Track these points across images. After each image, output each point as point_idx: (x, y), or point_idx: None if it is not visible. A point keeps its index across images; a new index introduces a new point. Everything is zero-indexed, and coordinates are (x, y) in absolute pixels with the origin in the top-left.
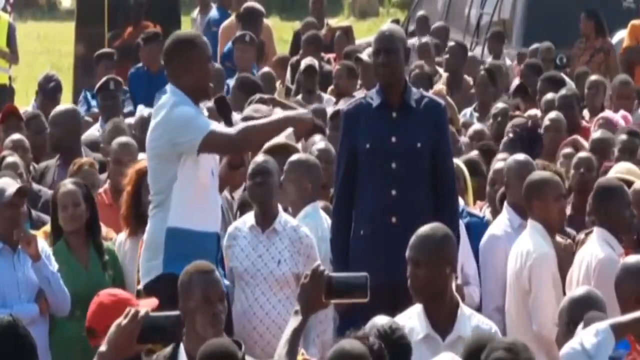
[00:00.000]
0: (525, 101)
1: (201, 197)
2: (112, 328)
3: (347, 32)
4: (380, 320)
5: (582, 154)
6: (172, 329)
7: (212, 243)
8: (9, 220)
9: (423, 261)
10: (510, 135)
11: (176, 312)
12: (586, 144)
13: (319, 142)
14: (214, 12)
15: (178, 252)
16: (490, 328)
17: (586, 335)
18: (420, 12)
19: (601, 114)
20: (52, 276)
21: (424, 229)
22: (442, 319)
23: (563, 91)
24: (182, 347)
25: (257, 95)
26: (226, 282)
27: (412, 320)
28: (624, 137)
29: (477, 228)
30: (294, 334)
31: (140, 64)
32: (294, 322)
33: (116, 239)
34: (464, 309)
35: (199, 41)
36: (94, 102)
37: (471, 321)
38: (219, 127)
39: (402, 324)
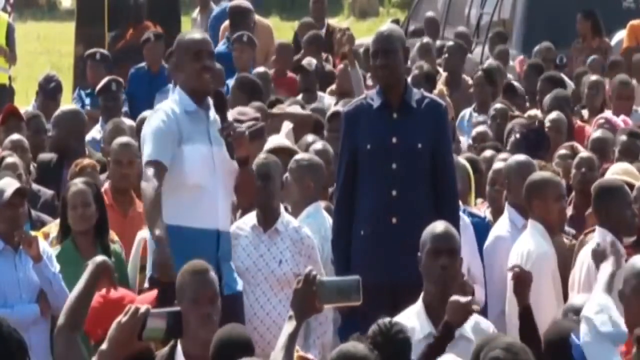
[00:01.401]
0: (513, 101)
1: (193, 195)
2: (113, 325)
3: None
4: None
5: (584, 154)
6: (172, 325)
7: (209, 240)
8: (9, 220)
9: (458, 251)
10: (517, 135)
11: (177, 308)
12: (582, 148)
13: (316, 143)
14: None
15: (172, 248)
16: (489, 326)
17: (598, 319)
18: (429, 14)
19: (601, 114)
20: (53, 277)
21: (440, 225)
22: (443, 318)
23: (553, 93)
24: (179, 346)
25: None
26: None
27: (412, 320)
28: (624, 138)
29: (478, 228)
30: (289, 339)
31: (141, 64)
32: (288, 327)
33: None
34: None
35: (182, 39)
36: (87, 101)
37: (471, 320)
38: (152, 166)
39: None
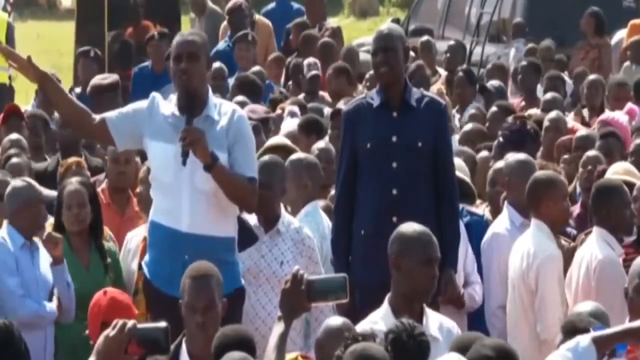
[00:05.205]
0: (489, 101)
1: (157, 190)
2: (100, 339)
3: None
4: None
5: (590, 153)
6: (160, 340)
7: (172, 239)
8: (29, 219)
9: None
10: (501, 139)
11: (163, 324)
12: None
13: (320, 141)
14: (272, 5)
15: (149, 241)
16: (453, 326)
17: (566, 351)
18: (518, 19)
19: (601, 117)
20: (69, 283)
21: (421, 230)
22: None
23: (548, 96)
24: (184, 346)
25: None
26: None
27: (379, 324)
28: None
29: (477, 227)
30: (280, 340)
31: (144, 64)
32: (278, 328)
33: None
34: (426, 308)
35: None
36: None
37: (435, 320)
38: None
39: (369, 328)
